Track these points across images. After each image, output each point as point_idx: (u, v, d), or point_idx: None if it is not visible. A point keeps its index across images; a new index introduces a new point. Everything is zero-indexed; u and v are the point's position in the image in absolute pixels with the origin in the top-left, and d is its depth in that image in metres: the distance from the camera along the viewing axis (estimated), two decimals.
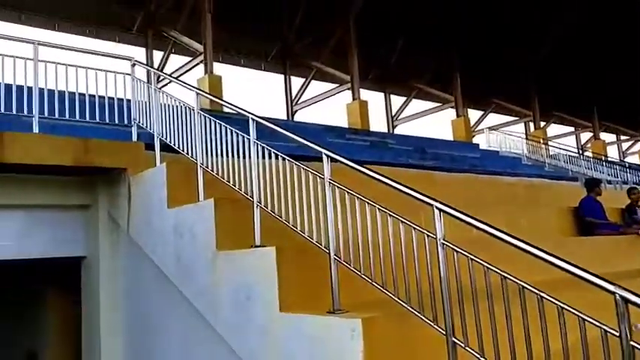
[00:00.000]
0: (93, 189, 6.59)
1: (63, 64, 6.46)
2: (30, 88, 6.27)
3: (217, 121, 5.02)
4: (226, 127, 4.90)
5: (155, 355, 5.68)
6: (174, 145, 5.72)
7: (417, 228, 3.46)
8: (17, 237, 6.35)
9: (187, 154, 5.44)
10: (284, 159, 4.29)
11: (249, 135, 4.64)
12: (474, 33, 22.00)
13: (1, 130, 5.67)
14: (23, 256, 6.39)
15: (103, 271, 6.30)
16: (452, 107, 24.20)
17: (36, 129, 6.16)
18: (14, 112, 6.18)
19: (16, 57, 6.23)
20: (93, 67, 6.65)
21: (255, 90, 22.80)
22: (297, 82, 23.04)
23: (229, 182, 4.84)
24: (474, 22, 21.36)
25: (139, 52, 18.99)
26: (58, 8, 17.37)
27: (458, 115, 23.92)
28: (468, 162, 15.62)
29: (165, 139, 5.93)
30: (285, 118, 21.90)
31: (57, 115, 6.42)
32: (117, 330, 6.21)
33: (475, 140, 24.15)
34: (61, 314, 7.40)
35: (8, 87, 6.17)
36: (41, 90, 6.35)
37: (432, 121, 25.91)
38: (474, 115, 27.46)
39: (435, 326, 3.27)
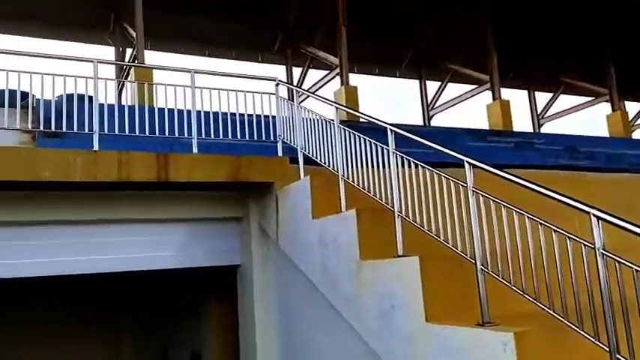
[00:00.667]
0: (244, 202, 7.09)
1: (216, 89, 7.04)
2: (188, 112, 6.88)
3: (356, 133, 5.14)
4: (365, 139, 5.00)
5: None
6: (316, 158, 5.97)
7: (573, 237, 3.24)
8: (180, 248, 7.06)
9: (329, 166, 5.65)
10: (424, 167, 4.27)
11: (386, 145, 4.70)
12: (627, 18, 19.98)
13: (165, 152, 6.33)
14: (186, 265, 7.07)
15: (256, 279, 6.76)
16: (606, 101, 22.14)
17: (195, 149, 6.75)
18: (176, 134, 6.82)
19: (177, 85, 6.91)
20: (240, 89, 7.17)
21: (390, 96, 22.87)
22: (432, 86, 22.66)
23: (369, 193, 4.92)
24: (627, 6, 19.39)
25: (278, 70, 20.04)
26: (208, 36, 18.89)
27: (614, 109, 21.81)
28: (627, 160, 14.17)
29: (308, 152, 6.20)
30: (422, 123, 21.62)
31: (212, 136, 7.00)
32: (271, 335, 6.57)
33: (635, 136, 21.87)
34: (221, 320, 7.96)
35: (170, 112, 6.84)
36: (198, 113, 6.96)
37: (583, 118, 23.93)
38: (632, 107, 24.88)
39: (597, 342, 3.04)
